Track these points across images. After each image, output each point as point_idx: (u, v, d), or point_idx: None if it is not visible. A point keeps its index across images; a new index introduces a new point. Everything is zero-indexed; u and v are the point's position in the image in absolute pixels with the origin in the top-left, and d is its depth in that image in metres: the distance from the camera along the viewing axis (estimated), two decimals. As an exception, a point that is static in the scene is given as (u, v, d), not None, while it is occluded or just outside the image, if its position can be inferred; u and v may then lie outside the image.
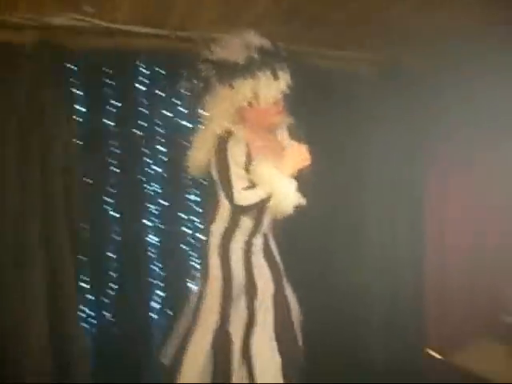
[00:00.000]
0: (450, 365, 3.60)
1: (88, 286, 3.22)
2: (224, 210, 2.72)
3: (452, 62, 3.42)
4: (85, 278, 3.19)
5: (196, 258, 3.51)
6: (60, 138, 2.90)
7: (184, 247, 3.49)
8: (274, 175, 2.51)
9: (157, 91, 3.29)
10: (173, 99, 3.33)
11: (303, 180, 2.58)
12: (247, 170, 2.54)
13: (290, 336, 2.80)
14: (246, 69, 2.48)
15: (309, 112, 3.15)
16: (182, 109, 3.36)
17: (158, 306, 3.45)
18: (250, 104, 2.56)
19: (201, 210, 3.49)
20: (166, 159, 3.37)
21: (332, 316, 3.53)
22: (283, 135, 2.79)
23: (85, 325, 3.21)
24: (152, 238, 3.40)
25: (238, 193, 2.52)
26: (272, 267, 2.84)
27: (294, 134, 2.68)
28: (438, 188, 3.85)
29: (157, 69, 3.26)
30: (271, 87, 2.51)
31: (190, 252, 3.51)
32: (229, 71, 2.50)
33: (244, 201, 2.54)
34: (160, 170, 3.37)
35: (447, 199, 3.86)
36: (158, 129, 3.33)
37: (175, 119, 3.35)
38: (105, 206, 3.22)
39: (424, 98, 3.61)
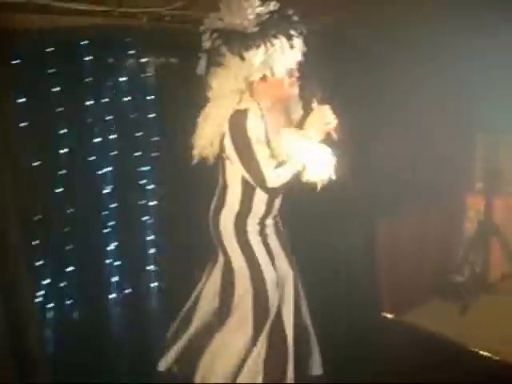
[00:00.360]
0: (405, 325, 3.74)
1: (43, 272, 3.18)
2: (234, 193, 2.49)
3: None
4: (39, 263, 3.16)
5: (152, 234, 3.52)
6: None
7: (139, 224, 3.51)
8: (302, 145, 2.27)
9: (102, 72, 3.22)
10: (120, 79, 3.27)
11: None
12: (271, 146, 2.31)
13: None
14: (259, 36, 2.26)
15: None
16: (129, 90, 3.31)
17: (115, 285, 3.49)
18: (263, 76, 2.33)
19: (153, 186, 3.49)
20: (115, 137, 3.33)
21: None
22: (298, 103, 2.56)
23: (42, 311, 3.19)
24: (107, 218, 3.38)
25: (271, 172, 2.25)
26: (284, 249, 2.67)
27: (311, 98, 2.40)
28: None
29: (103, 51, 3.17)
30: (286, 56, 2.31)
31: (147, 230, 3.54)
32: (239, 40, 2.27)
33: (278, 180, 2.28)
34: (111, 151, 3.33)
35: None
36: (105, 109, 3.27)
37: (123, 100, 3.30)
38: (55, 190, 3.16)
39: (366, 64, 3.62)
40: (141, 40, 3.14)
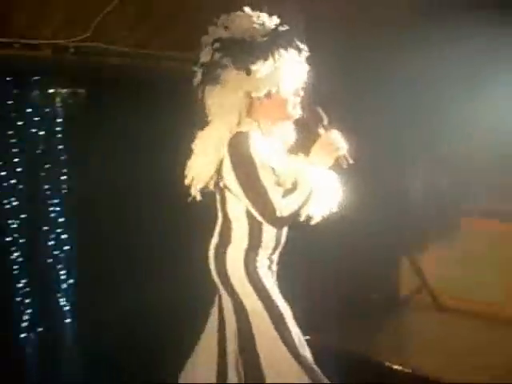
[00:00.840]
0: (322, 346, 3.78)
1: None
2: (240, 227, 2.22)
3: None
4: None
5: (62, 270, 3.44)
6: None
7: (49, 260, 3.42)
8: (310, 173, 2.11)
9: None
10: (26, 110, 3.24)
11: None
12: (275, 173, 2.09)
13: None
14: (267, 46, 2.05)
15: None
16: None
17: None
18: (267, 93, 2.09)
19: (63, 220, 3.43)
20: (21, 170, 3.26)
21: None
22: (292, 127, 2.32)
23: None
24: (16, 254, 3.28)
25: (278, 203, 2.04)
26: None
27: (317, 122, 2.20)
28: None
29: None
30: (295, 72, 2.11)
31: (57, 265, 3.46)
32: (245, 50, 2.04)
33: (287, 210, 2.06)
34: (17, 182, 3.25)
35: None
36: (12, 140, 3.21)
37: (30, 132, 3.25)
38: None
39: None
40: (45, 71, 3.11)
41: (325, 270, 4.07)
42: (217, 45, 2.08)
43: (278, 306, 2.18)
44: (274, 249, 2.28)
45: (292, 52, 2.09)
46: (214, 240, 2.29)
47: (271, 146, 2.14)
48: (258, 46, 2.06)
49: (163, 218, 3.69)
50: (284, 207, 2.04)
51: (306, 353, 2.20)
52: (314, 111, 2.20)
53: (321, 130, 2.16)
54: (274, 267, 2.33)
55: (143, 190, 3.67)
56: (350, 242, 4.28)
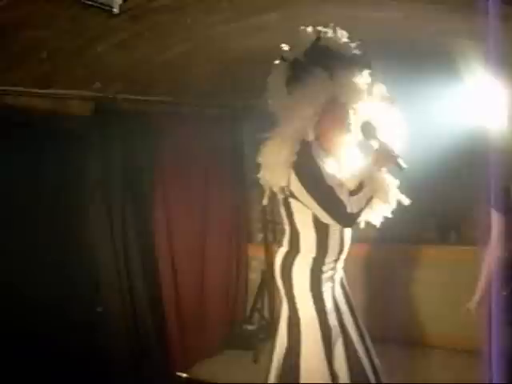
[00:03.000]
0: (200, 381, 3.74)
1: None
2: (308, 237, 2.32)
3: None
4: None
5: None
6: None
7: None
8: (372, 176, 2.22)
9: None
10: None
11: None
12: (339, 177, 2.22)
13: None
14: (360, 59, 2.25)
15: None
16: None
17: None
18: (333, 103, 2.24)
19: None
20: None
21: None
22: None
23: None
24: None
25: (347, 200, 2.14)
26: (347, 300, 2.51)
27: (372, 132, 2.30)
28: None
29: None
30: (365, 86, 2.28)
31: None
32: (337, 57, 2.22)
33: (356, 206, 2.16)
34: None
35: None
36: None
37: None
38: None
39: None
40: None
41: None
42: (310, 50, 2.22)
43: (327, 317, 2.32)
44: (339, 253, 2.38)
45: (367, 70, 2.28)
46: (284, 249, 2.41)
47: (332, 155, 2.30)
48: (349, 57, 2.23)
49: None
50: (353, 203, 2.14)
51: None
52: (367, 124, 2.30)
53: (374, 142, 2.27)
54: (338, 276, 2.44)
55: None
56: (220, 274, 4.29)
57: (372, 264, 4.19)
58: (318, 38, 2.25)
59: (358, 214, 2.19)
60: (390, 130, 2.30)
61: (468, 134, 3.25)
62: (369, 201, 2.24)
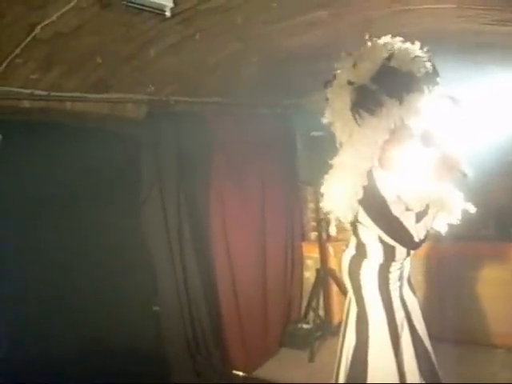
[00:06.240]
0: (258, 380, 3.75)
1: None
2: (374, 247, 2.35)
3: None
4: None
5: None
6: None
7: None
8: (435, 191, 2.22)
9: None
10: None
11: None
12: (403, 200, 2.21)
13: None
14: (424, 80, 2.14)
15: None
16: None
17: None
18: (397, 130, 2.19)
19: None
20: None
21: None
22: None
23: None
24: None
25: (414, 229, 2.18)
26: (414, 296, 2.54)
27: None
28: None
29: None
30: (430, 108, 2.20)
31: None
32: (403, 82, 2.12)
33: (422, 232, 2.21)
34: None
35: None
36: None
37: None
38: None
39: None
40: None
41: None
42: (376, 75, 2.12)
43: (394, 316, 2.34)
44: (407, 255, 2.38)
45: (436, 89, 2.19)
46: (351, 251, 2.45)
47: (395, 171, 2.24)
48: (415, 79, 2.12)
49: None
50: (419, 230, 2.17)
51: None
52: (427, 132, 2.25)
53: (434, 150, 2.23)
54: (406, 273, 2.42)
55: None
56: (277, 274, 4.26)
57: (433, 263, 4.08)
58: (388, 58, 2.15)
59: (425, 238, 2.23)
60: (452, 134, 2.23)
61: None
62: (435, 218, 2.25)
